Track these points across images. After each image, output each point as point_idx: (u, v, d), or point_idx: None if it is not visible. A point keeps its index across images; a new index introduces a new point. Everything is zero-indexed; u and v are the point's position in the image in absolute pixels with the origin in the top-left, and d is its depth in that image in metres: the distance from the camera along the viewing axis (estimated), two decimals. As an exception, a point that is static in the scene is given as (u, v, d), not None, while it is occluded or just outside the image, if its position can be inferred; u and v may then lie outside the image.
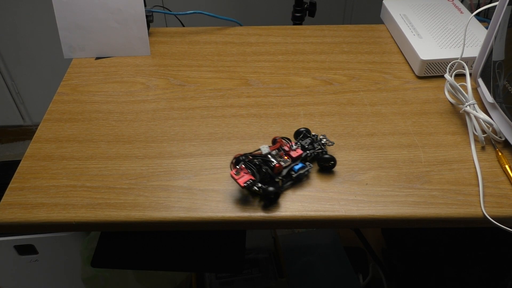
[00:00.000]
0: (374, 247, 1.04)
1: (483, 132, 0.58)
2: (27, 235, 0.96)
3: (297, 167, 0.52)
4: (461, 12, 0.78)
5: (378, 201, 0.51)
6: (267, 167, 0.50)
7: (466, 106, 0.58)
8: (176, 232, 0.70)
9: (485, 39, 0.61)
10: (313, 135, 0.56)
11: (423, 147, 0.58)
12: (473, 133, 0.58)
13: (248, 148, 0.58)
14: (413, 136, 0.60)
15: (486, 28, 0.66)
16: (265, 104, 0.65)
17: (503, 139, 0.57)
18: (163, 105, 0.65)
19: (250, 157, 0.50)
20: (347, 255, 1.12)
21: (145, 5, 0.74)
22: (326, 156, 0.54)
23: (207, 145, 0.59)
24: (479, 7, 0.68)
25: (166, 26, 1.29)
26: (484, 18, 0.82)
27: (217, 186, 0.53)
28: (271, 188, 0.48)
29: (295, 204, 0.51)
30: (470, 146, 0.58)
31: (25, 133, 1.74)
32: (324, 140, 0.55)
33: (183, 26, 0.88)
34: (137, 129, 0.61)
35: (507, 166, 0.54)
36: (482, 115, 0.57)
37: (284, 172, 0.51)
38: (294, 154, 0.53)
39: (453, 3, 0.81)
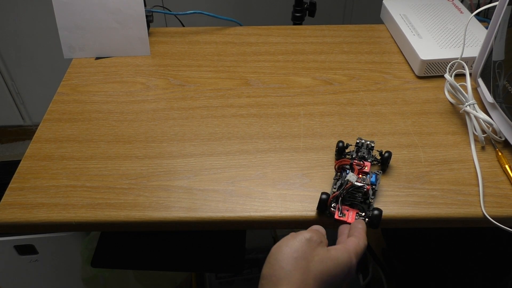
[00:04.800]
0: (374, 247, 1.04)
1: (483, 132, 0.58)
2: (27, 235, 0.96)
3: (373, 180, 0.51)
4: (461, 12, 0.78)
5: (378, 201, 0.51)
6: (359, 193, 0.49)
7: (466, 106, 0.58)
8: (176, 232, 0.70)
9: (485, 39, 0.61)
10: (358, 142, 0.55)
11: (423, 147, 0.58)
12: (473, 133, 0.58)
13: (248, 148, 0.58)
14: (413, 136, 0.60)
15: (486, 28, 0.66)
16: (265, 104, 0.65)
17: (503, 139, 0.57)
18: (163, 105, 0.65)
19: (344, 192, 0.49)
20: (347, 255, 1.11)
21: (145, 5, 0.74)
22: (386, 155, 0.54)
23: (207, 145, 0.59)
24: (479, 7, 0.68)
25: (166, 26, 1.29)
26: (484, 18, 0.82)
27: (217, 186, 0.53)
28: (376, 212, 0.47)
29: (295, 204, 0.51)
30: (470, 146, 0.58)
31: (25, 133, 1.73)
32: (367, 142, 0.55)
33: (183, 26, 0.88)
34: (137, 129, 0.61)
35: (507, 166, 0.54)
36: (482, 115, 0.57)
37: (371, 191, 0.50)
38: (367, 169, 0.52)
39: (453, 3, 0.81)
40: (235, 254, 0.69)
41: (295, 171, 0.55)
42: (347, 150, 0.56)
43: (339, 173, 0.53)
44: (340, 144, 0.55)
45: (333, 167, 0.54)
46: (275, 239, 1.00)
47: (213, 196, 0.52)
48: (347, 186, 0.48)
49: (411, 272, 0.98)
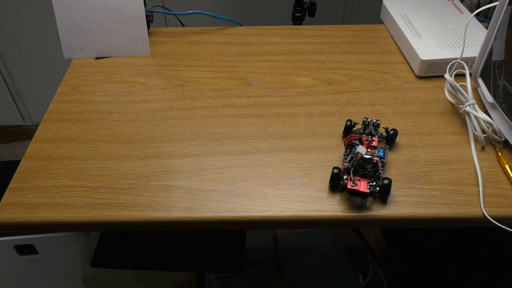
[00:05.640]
0: (374, 247, 1.04)
1: (483, 132, 0.58)
2: (27, 235, 0.96)
3: (381, 153, 0.55)
4: (461, 12, 0.78)
5: (378, 201, 0.51)
6: (370, 165, 0.51)
7: (466, 106, 0.58)
8: (176, 232, 0.71)
9: (485, 39, 0.61)
10: (364, 121, 0.59)
11: (423, 147, 0.58)
12: (473, 133, 0.58)
13: (248, 148, 0.58)
14: (413, 136, 0.60)
15: (486, 28, 0.66)
16: (265, 104, 0.65)
17: (503, 139, 0.57)
18: (163, 105, 0.65)
19: (355, 163, 0.51)
20: (347, 255, 1.12)
21: (145, 5, 0.74)
22: (392, 132, 0.57)
23: (207, 145, 0.59)
24: (479, 7, 0.68)
25: (166, 26, 1.29)
26: (484, 18, 0.82)
27: (217, 186, 0.53)
28: (386, 181, 0.50)
29: (295, 204, 0.51)
30: (470, 146, 0.58)
31: (25, 133, 1.73)
32: (373, 120, 0.58)
33: (183, 26, 0.88)
34: (137, 129, 0.61)
35: (507, 166, 0.54)
36: (482, 115, 0.57)
37: (380, 163, 0.53)
38: (374, 143, 0.55)
39: (453, 3, 0.81)
40: (235, 254, 0.69)
41: (295, 171, 0.55)
42: (354, 129, 0.58)
43: (348, 149, 0.56)
44: (348, 122, 0.58)
45: (343, 143, 0.58)
46: (275, 239, 1.00)
47: (213, 196, 0.52)
48: (357, 158, 0.50)
49: (411, 272, 0.98)
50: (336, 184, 0.52)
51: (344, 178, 0.51)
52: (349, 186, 0.50)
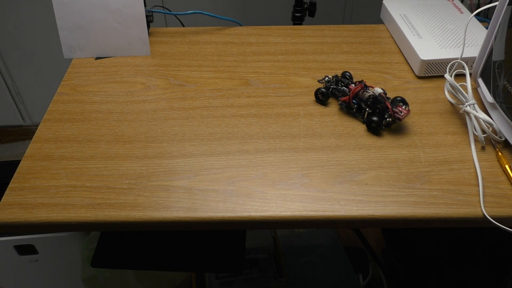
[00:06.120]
0: (374, 247, 1.04)
1: (483, 132, 0.58)
2: (27, 235, 0.96)
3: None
4: (461, 12, 0.78)
5: (378, 201, 0.51)
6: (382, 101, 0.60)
7: (466, 106, 0.58)
8: (176, 232, 0.71)
9: (485, 39, 0.61)
10: (328, 79, 0.66)
11: (423, 147, 0.58)
12: (473, 133, 0.58)
13: (248, 148, 0.58)
14: (413, 136, 0.60)
15: (486, 28, 0.66)
16: (265, 104, 0.65)
17: (503, 139, 0.57)
18: (163, 105, 0.65)
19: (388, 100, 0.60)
20: (347, 255, 1.12)
21: (145, 5, 0.74)
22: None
23: (207, 145, 0.59)
24: (479, 7, 0.68)
25: (166, 26, 1.29)
26: (484, 18, 0.82)
27: (217, 186, 0.53)
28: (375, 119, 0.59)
29: (295, 204, 0.51)
30: (470, 146, 0.58)
31: (25, 133, 1.74)
32: (347, 73, 0.67)
33: (183, 26, 0.88)
34: (137, 129, 0.61)
35: (507, 166, 0.54)
36: (482, 115, 0.57)
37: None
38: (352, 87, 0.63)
39: (453, 3, 0.81)
40: (235, 254, 0.69)
41: (295, 171, 0.55)
42: (326, 84, 0.66)
43: (355, 105, 0.62)
44: (321, 90, 0.65)
45: (347, 101, 0.63)
46: (275, 239, 1.00)
47: (213, 196, 0.52)
48: (381, 95, 0.59)
49: (411, 272, 0.98)
50: (381, 122, 0.59)
51: (385, 116, 0.59)
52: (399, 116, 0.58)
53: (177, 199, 0.52)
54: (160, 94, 0.67)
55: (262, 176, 0.54)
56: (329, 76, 0.66)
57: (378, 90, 0.59)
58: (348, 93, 0.62)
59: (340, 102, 0.63)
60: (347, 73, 0.67)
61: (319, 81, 0.67)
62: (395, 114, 0.59)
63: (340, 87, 0.64)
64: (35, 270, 1.03)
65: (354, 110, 0.62)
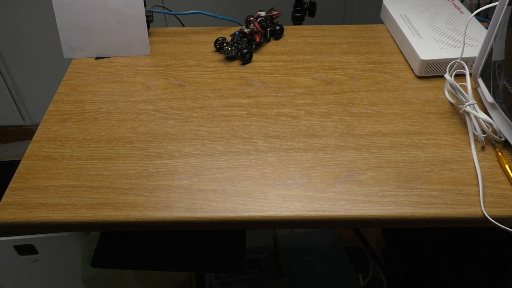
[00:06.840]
0: (374, 247, 1.04)
1: (483, 132, 0.58)
2: (27, 235, 0.96)
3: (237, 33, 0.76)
4: (461, 12, 0.78)
5: (378, 201, 0.51)
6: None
7: (466, 106, 0.58)
8: (176, 232, 0.71)
9: (485, 39, 0.61)
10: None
11: (423, 147, 0.58)
12: (473, 133, 0.58)
13: (248, 148, 0.58)
14: (413, 136, 0.60)
15: (486, 28, 0.66)
16: (265, 104, 0.65)
17: (503, 139, 0.57)
18: (163, 105, 0.65)
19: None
20: (347, 255, 1.12)
21: (145, 5, 0.74)
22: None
23: (207, 145, 0.59)
24: (479, 7, 0.68)
25: (166, 26, 1.29)
26: (484, 18, 0.82)
27: (217, 186, 0.53)
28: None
29: (295, 204, 0.51)
30: (470, 146, 0.58)
31: (25, 133, 1.74)
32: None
33: (183, 26, 0.88)
34: (137, 129, 0.61)
35: (507, 166, 0.54)
36: (482, 115, 0.57)
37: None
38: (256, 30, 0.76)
39: (453, 3, 0.81)
40: (235, 254, 0.69)
41: (295, 171, 0.55)
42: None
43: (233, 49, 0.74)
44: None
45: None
46: (275, 239, 1.00)
47: (213, 196, 0.52)
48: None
49: (411, 272, 0.98)
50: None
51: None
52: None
53: (177, 199, 0.52)
54: (160, 94, 0.67)
55: (262, 176, 0.54)
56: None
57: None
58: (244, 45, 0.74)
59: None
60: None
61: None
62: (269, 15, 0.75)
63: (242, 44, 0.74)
64: (35, 270, 1.03)
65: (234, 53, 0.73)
